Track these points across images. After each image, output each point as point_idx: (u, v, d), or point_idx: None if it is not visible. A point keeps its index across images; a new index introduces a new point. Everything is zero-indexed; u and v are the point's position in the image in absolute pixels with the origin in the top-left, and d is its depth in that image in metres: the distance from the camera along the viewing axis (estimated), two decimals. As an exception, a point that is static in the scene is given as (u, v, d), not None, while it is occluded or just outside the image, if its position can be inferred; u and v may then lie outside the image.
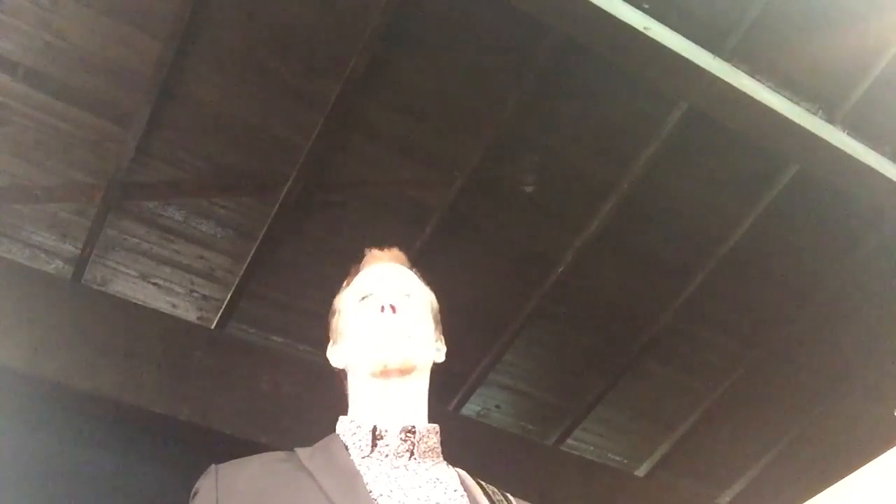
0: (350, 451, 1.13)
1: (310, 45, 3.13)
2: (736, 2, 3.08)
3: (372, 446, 1.13)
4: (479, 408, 4.29)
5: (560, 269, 3.86)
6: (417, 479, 1.10)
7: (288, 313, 3.87)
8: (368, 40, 3.08)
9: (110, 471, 3.47)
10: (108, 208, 3.41)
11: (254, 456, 1.15)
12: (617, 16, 2.68)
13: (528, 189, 3.62)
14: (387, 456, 1.12)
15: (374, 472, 1.09)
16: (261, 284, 3.75)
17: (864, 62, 3.25)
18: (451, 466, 1.18)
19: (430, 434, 1.17)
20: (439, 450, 1.18)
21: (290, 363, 3.90)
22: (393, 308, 1.21)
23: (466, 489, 1.13)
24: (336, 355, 1.31)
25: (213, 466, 1.12)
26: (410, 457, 1.13)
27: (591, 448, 4.66)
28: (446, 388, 4.17)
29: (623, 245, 3.85)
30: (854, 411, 4.52)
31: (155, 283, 3.72)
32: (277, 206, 3.47)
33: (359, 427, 1.15)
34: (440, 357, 1.30)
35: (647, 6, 2.78)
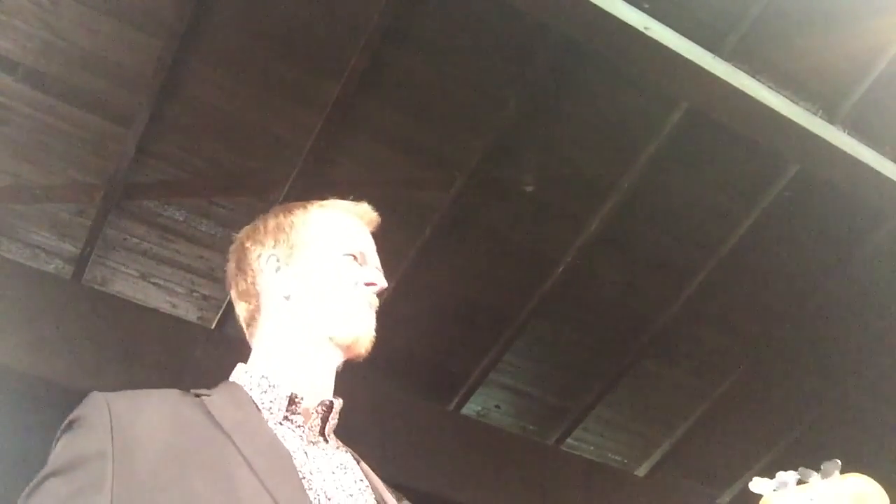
0: (261, 409, 0.99)
1: (310, 45, 3.13)
2: (736, 2, 3.08)
3: (286, 413, 1.00)
4: (479, 408, 4.29)
5: (560, 269, 3.86)
6: (329, 462, 1.00)
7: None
8: (368, 40, 3.08)
9: (110, 471, 3.47)
10: (108, 208, 3.41)
11: (144, 391, 0.94)
12: (617, 16, 2.68)
13: (528, 189, 3.62)
14: (300, 427, 1.00)
15: (291, 445, 0.96)
16: (261, 284, 3.74)
17: (864, 62, 3.25)
18: (347, 449, 1.09)
19: (337, 412, 1.06)
20: (334, 425, 1.07)
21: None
22: (382, 292, 1.12)
23: (365, 474, 1.05)
24: (279, 280, 1.11)
25: (97, 396, 0.89)
26: (320, 433, 1.02)
27: (591, 448, 4.66)
28: (446, 388, 4.17)
29: (623, 245, 3.85)
30: (854, 411, 4.52)
31: (155, 283, 3.72)
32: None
33: (272, 387, 1.02)
34: None
35: (647, 6, 2.78)
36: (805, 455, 4.68)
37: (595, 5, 2.64)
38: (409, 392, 3.95)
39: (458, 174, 3.52)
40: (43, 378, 3.36)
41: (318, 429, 1.02)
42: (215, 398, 0.98)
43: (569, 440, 4.54)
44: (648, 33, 2.72)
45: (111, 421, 0.85)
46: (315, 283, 1.09)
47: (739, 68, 2.95)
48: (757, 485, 0.98)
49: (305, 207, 1.19)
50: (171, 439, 0.86)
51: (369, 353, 1.10)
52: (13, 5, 2.92)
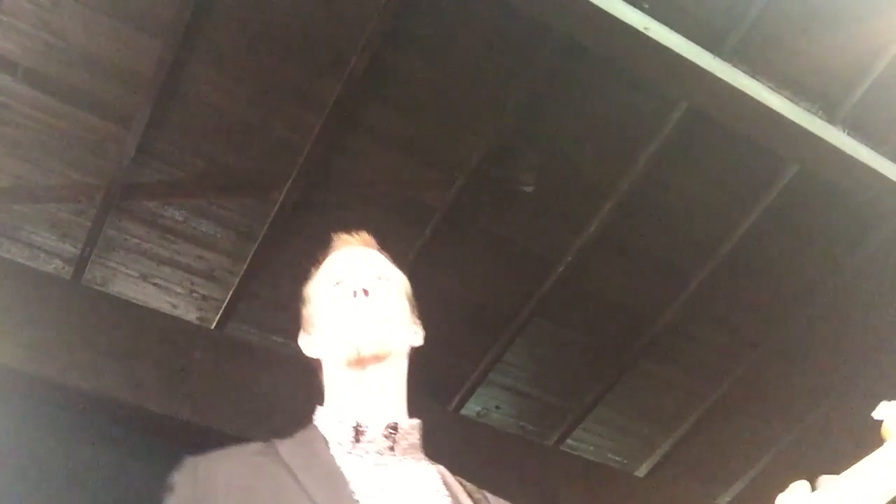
0: (330, 445, 1.09)
1: (310, 45, 3.12)
2: (736, 2, 3.08)
3: (354, 443, 1.09)
4: (479, 408, 4.29)
5: (560, 269, 3.86)
6: (400, 478, 1.07)
7: (288, 313, 3.84)
8: (368, 40, 3.08)
9: (110, 471, 3.47)
10: (108, 208, 3.41)
11: (230, 449, 1.12)
12: (617, 16, 2.69)
13: (528, 189, 3.61)
14: (368, 453, 1.08)
15: (357, 469, 1.05)
16: (261, 284, 3.75)
17: (864, 62, 3.25)
18: (431, 463, 1.14)
19: (412, 430, 1.13)
20: (419, 445, 1.14)
21: (290, 363, 3.89)
22: (365, 292, 1.17)
23: (448, 487, 1.10)
24: (309, 345, 1.24)
25: (189, 460, 1.07)
26: (392, 453, 1.09)
27: (591, 448, 4.66)
28: (446, 388, 4.17)
29: (623, 245, 3.85)
30: (854, 411, 4.52)
31: (155, 283, 3.72)
32: (277, 206, 3.47)
33: (340, 421, 1.11)
34: (417, 340, 1.25)
35: (647, 6, 2.78)
36: (805, 455, 4.68)
37: (595, 5, 2.64)
38: (409, 392, 3.94)
39: (458, 174, 3.52)
40: (43, 378, 3.36)
41: (387, 451, 1.09)
42: (288, 442, 1.12)
43: (569, 440, 4.54)
44: (648, 33, 2.73)
45: (196, 478, 1.05)
46: (320, 327, 1.21)
47: (739, 68, 2.96)
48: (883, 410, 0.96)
49: (311, 275, 1.32)
50: (242, 482, 1.03)
51: (384, 351, 1.14)
52: (13, 5, 2.92)
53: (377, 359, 1.14)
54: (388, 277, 1.26)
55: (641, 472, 4.77)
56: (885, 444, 0.96)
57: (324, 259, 1.31)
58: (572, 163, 3.57)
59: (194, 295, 3.77)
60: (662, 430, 4.63)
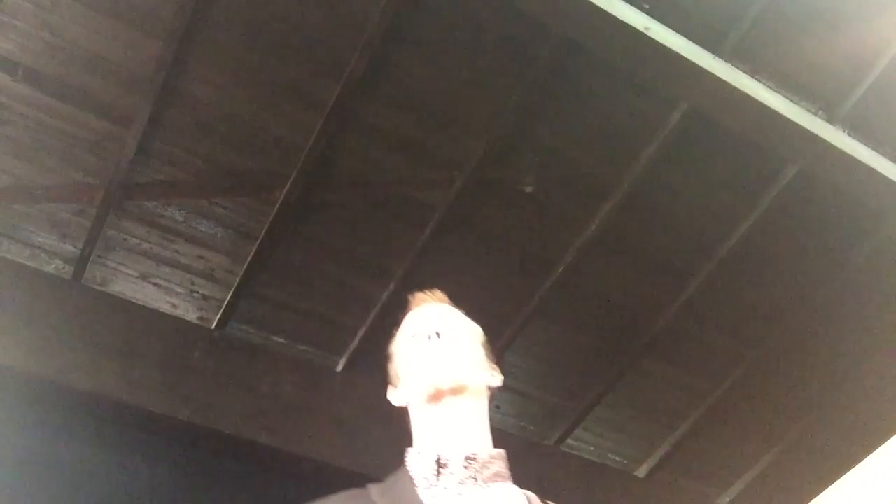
0: (416, 482, 1.16)
1: (310, 45, 3.12)
2: (736, 2, 3.08)
3: (437, 475, 1.15)
4: (479, 408, 4.28)
5: (560, 269, 3.86)
6: (480, 502, 1.12)
7: (288, 313, 3.87)
8: (368, 40, 3.08)
9: (110, 471, 3.48)
10: (108, 208, 3.41)
11: (330, 498, 1.19)
12: (617, 16, 2.69)
13: (528, 189, 3.62)
14: (450, 485, 1.14)
15: (439, 501, 1.12)
16: (261, 284, 3.75)
17: (864, 62, 3.25)
18: (517, 488, 1.19)
19: (493, 460, 1.18)
20: (506, 473, 1.19)
21: (290, 363, 3.90)
22: (438, 334, 1.26)
23: None
24: (396, 396, 1.32)
25: None
26: (475, 483, 1.15)
27: (591, 448, 4.66)
28: (446, 388, 4.16)
29: (623, 245, 3.85)
30: (854, 411, 4.52)
31: (155, 283, 3.72)
32: (277, 206, 3.47)
33: (423, 457, 1.18)
34: (496, 381, 1.30)
35: (647, 6, 2.79)
36: (805, 455, 4.68)
37: (595, 5, 2.64)
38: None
39: (458, 174, 3.52)
40: (43, 378, 3.36)
41: (470, 481, 1.14)
42: (381, 485, 1.20)
43: (569, 440, 4.54)
44: (648, 33, 2.73)
45: None
46: (403, 376, 1.30)
47: (739, 68, 2.96)
48: None
49: (393, 335, 1.39)
50: None
51: (459, 384, 1.22)
52: (13, 5, 2.92)
53: (454, 392, 1.21)
54: (461, 327, 1.33)
55: (641, 472, 4.77)
56: None
57: (402, 318, 1.40)
58: (572, 163, 3.57)
59: (194, 295, 3.77)
60: (662, 430, 4.63)
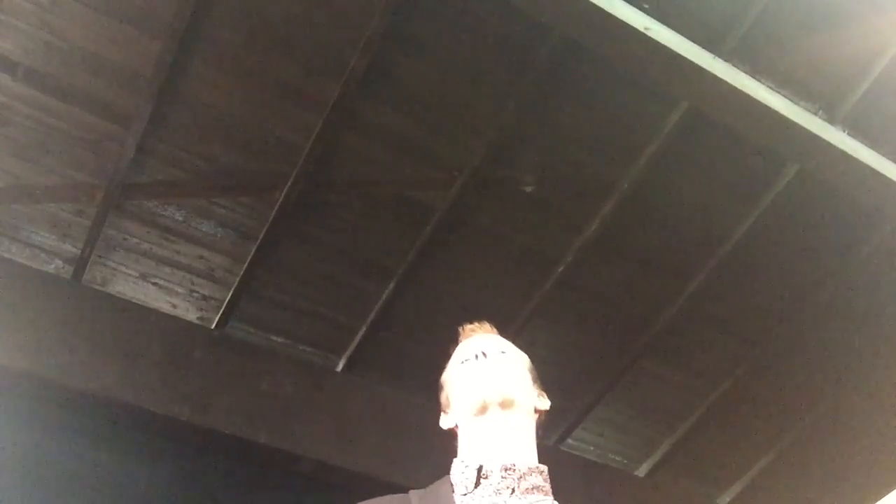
0: (455, 489, 1.19)
1: (310, 45, 3.12)
2: (736, 2, 3.08)
3: (476, 484, 1.17)
4: (479, 408, 4.28)
5: (560, 269, 3.86)
6: None
7: (288, 313, 3.87)
8: (368, 40, 3.08)
9: (110, 471, 3.48)
10: (108, 208, 3.41)
11: (372, 500, 1.22)
12: (617, 16, 2.69)
13: (528, 189, 3.62)
14: (489, 493, 1.16)
15: None
16: (261, 284, 3.75)
17: (864, 62, 3.25)
18: (554, 500, 1.20)
19: (532, 472, 1.19)
20: (547, 488, 1.20)
21: (290, 363, 3.90)
22: (485, 354, 1.32)
23: None
24: (447, 421, 1.36)
25: None
26: (512, 493, 1.16)
27: (591, 448, 4.66)
28: (446, 388, 4.16)
29: (623, 245, 3.85)
30: (854, 411, 4.52)
31: (155, 283, 3.72)
32: (277, 206, 3.47)
33: (466, 466, 1.20)
34: (543, 405, 1.34)
35: (647, 6, 2.79)
36: (805, 455, 4.68)
37: (595, 5, 2.64)
38: (410, 392, 3.95)
39: (458, 174, 3.52)
40: (43, 378, 3.36)
41: (507, 491, 1.16)
42: (422, 491, 1.23)
43: (569, 440, 4.54)
44: (648, 33, 2.73)
45: None
46: (454, 400, 1.33)
47: (739, 68, 2.96)
48: None
49: (448, 365, 1.44)
50: None
51: (507, 398, 1.25)
52: (13, 5, 2.92)
53: (502, 406, 1.24)
54: (510, 352, 1.39)
55: (641, 472, 4.77)
56: None
57: (453, 348, 1.45)
58: (572, 163, 3.57)
59: (194, 295, 3.77)
60: (662, 430, 4.63)
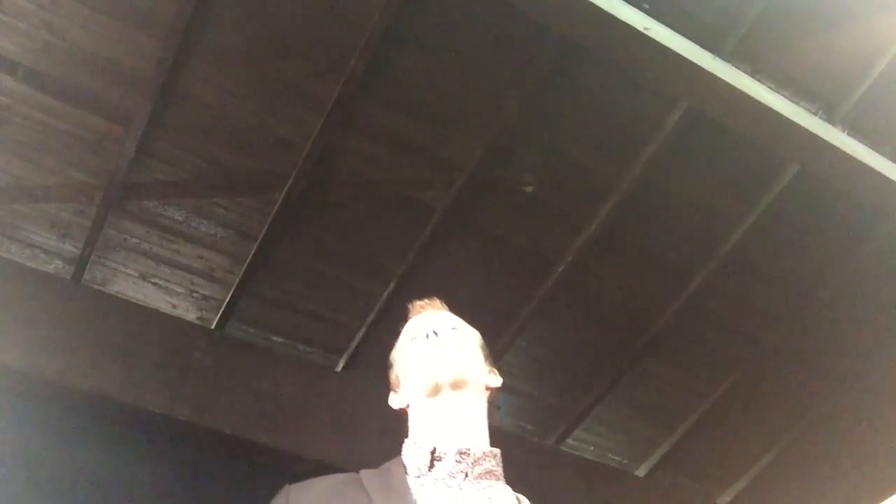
0: (408, 471, 1.19)
1: (310, 45, 3.12)
2: (736, 2, 3.08)
3: (430, 467, 1.17)
4: (479, 408, 4.28)
5: (560, 269, 3.86)
6: (469, 498, 1.14)
7: (288, 313, 3.87)
8: (368, 40, 3.08)
9: (110, 471, 3.48)
10: (108, 208, 3.41)
11: (323, 477, 1.21)
12: (617, 16, 2.68)
13: (528, 189, 3.62)
14: (440, 477, 1.16)
15: (428, 491, 1.14)
16: (261, 284, 3.75)
17: (864, 62, 3.25)
18: (510, 489, 1.20)
19: (486, 457, 1.20)
20: (499, 472, 1.21)
21: (290, 363, 3.90)
22: (436, 333, 1.30)
23: None
24: (397, 400, 1.34)
25: (286, 486, 1.20)
26: (465, 477, 1.16)
27: (591, 448, 4.66)
28: (446, 388, 4.16)
29: (623, 245, 3.85)
30: (854, 411, 4.52)
31: (155, 283, 3.72)
32: (277, 206, 3.47)
33: (419, 448, 1.20)
34: (494, 382, 1.33)
35: (647, 6, 2.78)
36: (805, 455, 4.68)
37: (595, 5, 2.64)
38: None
39: (458, 174, 3.52)
40: (43, 378, 3.36)
41: (461, 475, 1.16)
42: (373, 471, 1.21)
43: (569, 440, 4.54)
44: (648, 33, 2.73)
45: (288, 499, 1.16)
46: (404, 378, 1.32)
47: (739, 68, 2.96)
48: None
49: (394, 345, 1.42)
50: (326, 502, 1.14)
51: (459, 378, 1.24)
52: (13, 5, 2.92)
53: (453, 386, 1.23)
54: (461, 329, 1.36)
55: (641, 472, 4.77)
56: None
57: (402, 327, 1.43)
58: (572, 163, 3.57)
59: (194, 295, 3.77)
60: (662, 430, 4.63)
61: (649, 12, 2.75)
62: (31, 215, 3.45)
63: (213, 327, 3.81)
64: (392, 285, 3.78)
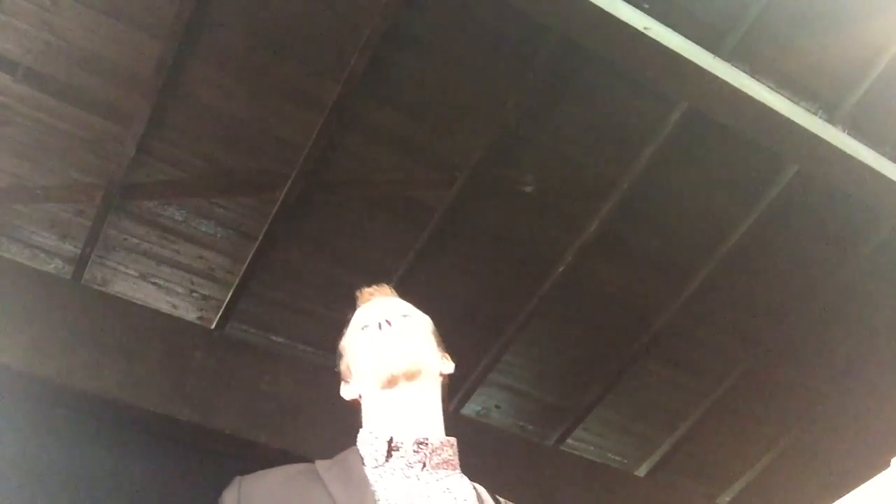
0: (365, 461, 1.17)
1: (310, 45, 3.12)
2: (736, 2, 3.08)
3: (387, 457, 1.16)
4: (479, 408, 4.29)
5: (560, 269, 3.86)
6: (428, 488, 1.13)
7: (288, 313, 3.87)
8: (368, 40, 3.08)
9: (110, 471, 3.48)
10: (108, 208, 3.41)
11: (276, 468, 1.20)
12: (617, 16, 2.68)
13: (528, 189, 3.62)
14: (398, 467, 1.15)
15: (386, 481, 1.13)
16: (261, 284, 3.75)
17: (864, 62, 3.25)
18: (466, 479, 1.19)
19: (444, 447, 1.19)
20: (455, 462, 1.20)
21: (290, 363, 3.90)
22: (388, 322, 1.27)
23: (480, 502, 1.16)
24: (348, 391, 1.33)
25: (237, 478, 1.17)
26: (423, 468, 1.15)
27: (591, 448, 4.66)
28: (446, 388, 4.16)
29: (623, 245, 3.85)
30: (854, 411, 4.52)
31: (155, 283, 3.72)
32: (277, 206, 3.47)
33: (376, 438, 1.19)
34: (447, 368, 1.32)
35: (647, 6, 2.78)
36: (805, 455, 4.68)
37: (595, 5, 2.63)
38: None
39: (458, 174, 3.52)
40: (43, 378, 3.36)
41: (419, 465, 1.16)
42: (328, 461, 1.19)
43: (569, 440, 4.54)
44: (648, 33, 2.72)
45: (240, 493, 1.14)
46: (355, 369, 1.31)
47: (739, 68, 2.95)
48: None
49: (343, 333, 1.41)
50: (280, 496, 1.13)
51: (414, 368, 1.24)
52: (13, 5, 2.92)
53: (409, 377, 1.22)
54: (412, 315, 1.34)
55: (641, 472, 4.77)
56: None
57: (351, 314, 1.41)
58: (572, 163, 3.57)
59: (194, 295, 3.77)
60: (662, 430, 4.63)
61: (649, 12, 2.75)
62: (31, 215, 3.45)
63: (213, 327, 3.81)
64: (392, 285, 3.78)
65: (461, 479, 1.18)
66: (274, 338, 3.94)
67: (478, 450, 3.94)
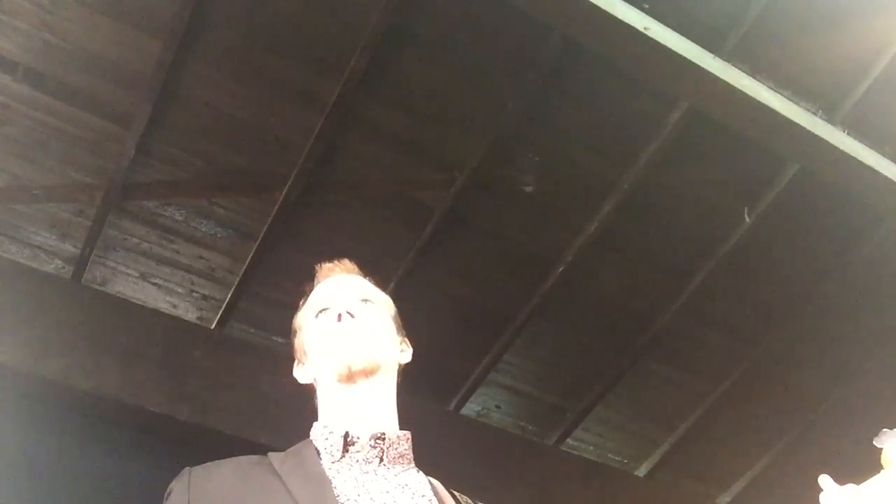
0: (322, 456, 1.15)
1: (310, 44, 3.13)
2: (736, 2, 3.08)
3: (343, 452, 1.15)
4: (479, 408, 4.29)
5: (560, 269, 3.86)
6: (386, 483, 1.12)
7: (288, 313, 3.83)
8: (368, 40, 3.08)
9: (110, 471, 3.47)
10: (108, 208, 3.41)
11: (227, 459, 1.17)
12: (617, 16, 2.68)
13: (528, 189, 3.62)
14: (355, 462, 1.14)
15: (344, 476, 1.11)
16: (261, 284, 3.75)
17: (864, 62, 3.25)
18: (422, 473, 1.19)
19: (400, 441, 1.18)
20: (410, 456, 1.19)
21: (290, 363, 3.89)
22: (350, 314, 1.24)
23: (437, 496, 1.14)
24: (302, 373, 1.32)
25: (186, 469, 1.14)
26: (380, 463, 1.15)
27: (591, 448, 4.66)
28: (446, 388, 4.17)
29: (623, 245, 3.85)
30: (854, 411, 4.52)
31: (155, 283, 3.72)
32: (277, 206, 3.47)
33: (331, 433, 1.17)
34: (405, 357, 1.31)
35: (647, 6, 2.78)
36: (806, 455, 4.68)
37: (595, 5, 2.64)
38: (409, 392, 3.94)
39: (458, 174, 3.52)
40: (43, 378, 3.36)
41: (376, 460, 1.14)
42: (282, 454, 1.18)
43: (569, 440, 4.54)
44: (648, 33, 2.73)
45: (189, 484, 1.11)
46: (311, 353, 1.29)
47: (739, 68, 2.95)
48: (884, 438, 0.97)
49: (299, 307, 1.39)
50: (233, 488, 1.09)
51: (373, 365, 1.21)
52: (13, 6, 2.92)
53: (367, 373, 1.20)
54: (373, 300, 1.31)
55: (641, 472, 4.77)
56: (883, 471, 0.96)
57: (310, 290, 1.38)
58: (572, 163, 3.57)
59: (194, 295, 3.77)
60: (662, 430, 4.63)
61: (649, 12, 2.75)
62: (31, 215, 3.45)
63: (213, 327, 3.81)
64: (392, 285, 3.78)
65: (417, 473, 1.17)
66: (274, 338, 3.94)
67: (478, 450, 3.95)
